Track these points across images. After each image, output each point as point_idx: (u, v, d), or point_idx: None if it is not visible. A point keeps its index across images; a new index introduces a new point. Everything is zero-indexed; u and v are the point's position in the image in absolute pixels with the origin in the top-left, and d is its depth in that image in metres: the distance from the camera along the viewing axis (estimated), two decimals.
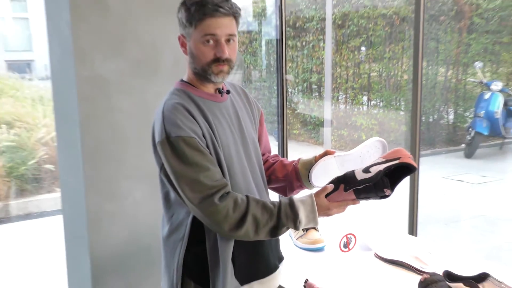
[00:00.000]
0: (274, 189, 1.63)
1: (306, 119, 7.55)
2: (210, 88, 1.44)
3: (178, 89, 1.42)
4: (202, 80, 1.41)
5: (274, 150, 1.83)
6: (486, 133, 6.60)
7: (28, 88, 7.29)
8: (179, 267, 1.40)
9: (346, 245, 1.91)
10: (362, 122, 7.11)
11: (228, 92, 1.48)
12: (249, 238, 1.34)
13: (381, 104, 7.45)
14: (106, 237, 2.13)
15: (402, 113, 7.26)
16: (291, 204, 1.36)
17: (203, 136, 1.34)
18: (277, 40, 2.89)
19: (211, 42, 1.35)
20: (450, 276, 1.52)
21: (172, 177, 1.33)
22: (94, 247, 2.10)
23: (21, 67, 10.29)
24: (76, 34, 1.99)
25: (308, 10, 7.48)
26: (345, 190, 1.38)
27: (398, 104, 7.36)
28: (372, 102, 7.51)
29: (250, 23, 7.56)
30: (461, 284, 1.45)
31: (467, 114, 7.45)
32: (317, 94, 7.69)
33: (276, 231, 1.35)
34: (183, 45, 1.41)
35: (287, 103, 2.98)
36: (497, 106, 6.61)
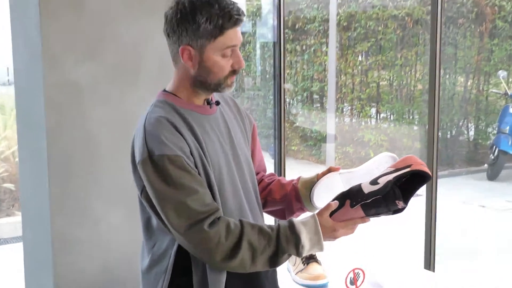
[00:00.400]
0: (271, 213, 1.63)
1: (306, 134, 7.57)
2: (201, 99, 1.44)
3: (160, 101, 1.42)
4: (198, 91, 1.41)
5: (270, 169, 1.84)
6: (511, 151, 6.65)
7: None
8: None
9: (353, 281, 1.90)
10: (370, 137, 7.14)
11: (217, 103, 1.48)
12: (245, 269, 1.33)
13: (391, 117, 7.50)
14: (74, 268, 2.11)
15: (415, 128, 7.30)
16: (291, 227, 1.35)
17: (191, 154, 1.34)
18: (274, 43, 2.92)
19: (229, 53, 1.37)
20: None
21: (154, 201, 1.33)
22: (60, 280, 2.08)
23: None
24: (45, 34, 1.99)
25: (309, 10, 7.55)
26: (352, 206, 1.38)
27: (411, 117, 7.41)
28: (382, 115, 7.56)
29: (243, 23, 7.61)
30: None
31: (489, 130, 7.51)
32: (318, 105, 7.73)
33: (275, 259, 1.35)
34: (190, 58, 1.37)
35: (285, 115, 2.99)
36: None
